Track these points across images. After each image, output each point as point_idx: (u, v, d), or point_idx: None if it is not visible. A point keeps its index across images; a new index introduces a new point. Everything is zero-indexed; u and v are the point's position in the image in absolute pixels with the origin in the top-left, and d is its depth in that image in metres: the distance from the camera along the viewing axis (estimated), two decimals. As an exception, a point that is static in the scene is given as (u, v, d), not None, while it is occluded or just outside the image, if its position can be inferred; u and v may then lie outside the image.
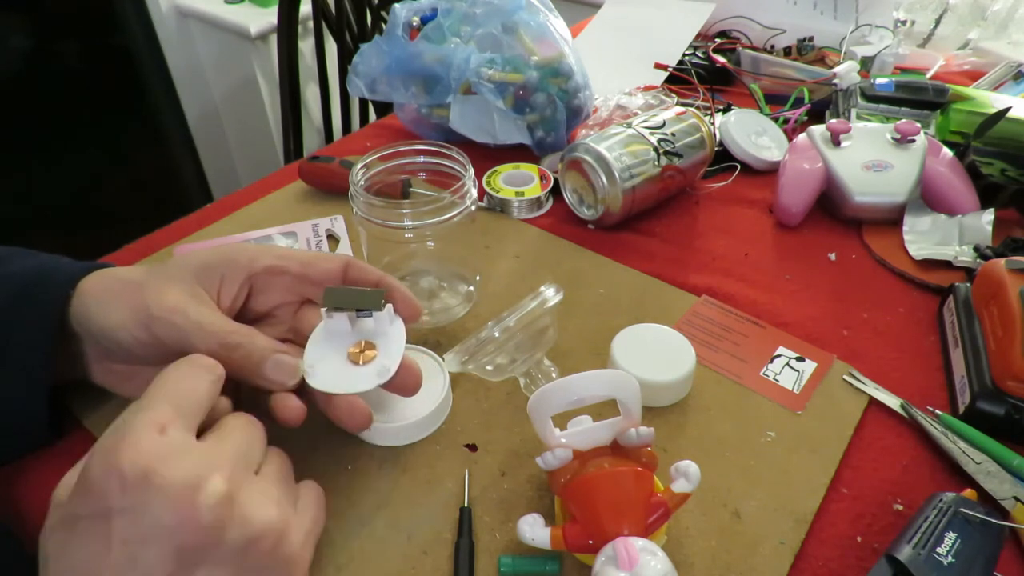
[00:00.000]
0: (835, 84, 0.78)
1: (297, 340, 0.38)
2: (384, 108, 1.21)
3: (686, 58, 0.88)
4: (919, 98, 0.71)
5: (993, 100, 0.69)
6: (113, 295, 0.35)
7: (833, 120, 0.64)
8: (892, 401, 0.45)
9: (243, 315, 0.38)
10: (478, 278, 0.53)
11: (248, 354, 0.33)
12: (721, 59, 0.87)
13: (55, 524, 0.27)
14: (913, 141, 0.62)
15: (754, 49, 0.90)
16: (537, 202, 0.64)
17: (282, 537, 0.29)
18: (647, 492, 0.33)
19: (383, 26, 1.16)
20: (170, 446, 0.27)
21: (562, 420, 0.36)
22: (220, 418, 0.31)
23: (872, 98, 0.72)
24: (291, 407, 0.33)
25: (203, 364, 0.31)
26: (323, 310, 0.35)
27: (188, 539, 0.26)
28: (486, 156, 0.69)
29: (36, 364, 0.36)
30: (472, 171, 0.47)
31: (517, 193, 0.63)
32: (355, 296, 0.35)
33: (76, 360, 0.39)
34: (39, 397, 0.37)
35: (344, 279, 0.37)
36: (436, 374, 0.44)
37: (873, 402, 0.45)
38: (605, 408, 0.36)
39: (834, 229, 0.62)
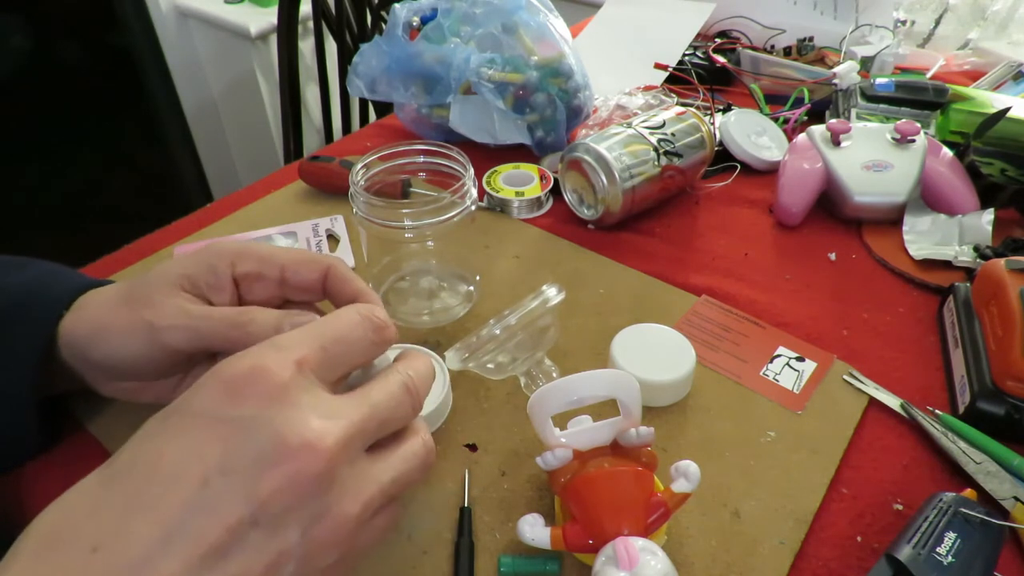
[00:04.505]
0: (835, 84, 0.78)
1: None
2: (384, 108, 1.21)
3: (686, 58, 0.88)
4: (919, 98, 0.71)
5: (993, 100, 0.69)
6: (104, 325, 0.35)
7: (833, 120, 0.63)
8: (892, 401, 0.45)
9: None
10: (478, 278, 0.53)
11: (262, 328, 0.33)
12: (721, 59, 0.87)
13: (160, 414, 0.24)
14: (913, 141, 0.62)
15: (754, 49, 0.90)
16: (537, 202, 0.64)
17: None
18: (647, 492, 0.33)
19: (383, 26, 1.16)
20: (301, 384, 0.25)
21: (562, 420, 0.36)
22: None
23: (872, 98, 0.72)
24: None
25: (373, 322, 0.29)
26: None
27: (277, 494, 0.23)
28: (486, 156, 0.69)
29: (17, 402, 0.35)
30: (472, 171, 0.47)
31: (517, 193, 0.63)
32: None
33: (73, 381, 0.38)
34: (21, 424, 0.36)
35: (324, 289, 0.36)
36: (436, 374, 0.44)
37: (873, 402, 0.45)
38: (605, 408, 0.36)
39: (834, 229, 0.62)
